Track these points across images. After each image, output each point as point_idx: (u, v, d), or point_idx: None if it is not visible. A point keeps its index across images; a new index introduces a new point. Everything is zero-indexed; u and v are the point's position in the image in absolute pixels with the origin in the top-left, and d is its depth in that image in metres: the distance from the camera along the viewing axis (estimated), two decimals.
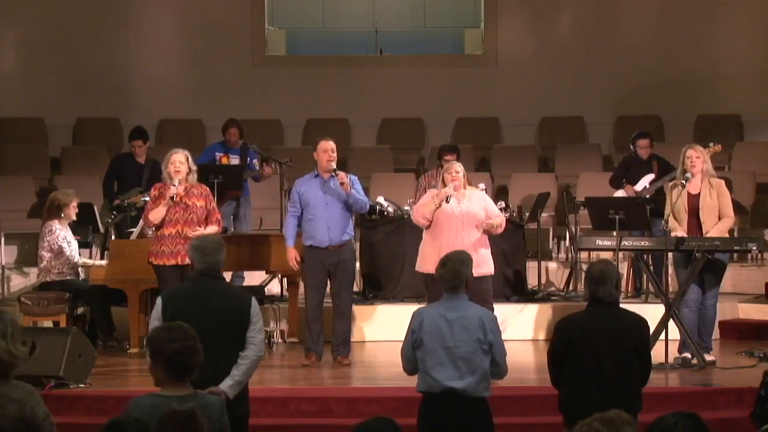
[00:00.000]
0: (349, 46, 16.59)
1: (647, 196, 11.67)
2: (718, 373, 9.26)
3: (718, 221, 9.46)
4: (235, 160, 12.03)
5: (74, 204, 10.52)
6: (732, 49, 15.75)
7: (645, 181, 11.89)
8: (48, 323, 10.41)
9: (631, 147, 12.30)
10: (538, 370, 9.15)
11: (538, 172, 14.82)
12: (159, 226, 9.63)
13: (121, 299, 10.26)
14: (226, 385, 5.89)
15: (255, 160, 12.13)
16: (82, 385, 8.61)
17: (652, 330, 6.76)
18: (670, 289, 10.02)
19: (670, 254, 9.80)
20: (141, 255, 9.84)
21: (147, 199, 10.12)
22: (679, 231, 9.44)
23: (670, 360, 9.34)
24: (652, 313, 9.11)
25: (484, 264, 9.09)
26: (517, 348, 10.41)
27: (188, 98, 15.73)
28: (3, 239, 13.10)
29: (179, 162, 9.61)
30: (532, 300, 11.42)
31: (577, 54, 15.84)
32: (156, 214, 9.59)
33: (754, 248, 9.60)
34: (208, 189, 9.89)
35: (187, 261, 8.40)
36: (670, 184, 9.74)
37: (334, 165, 9.64)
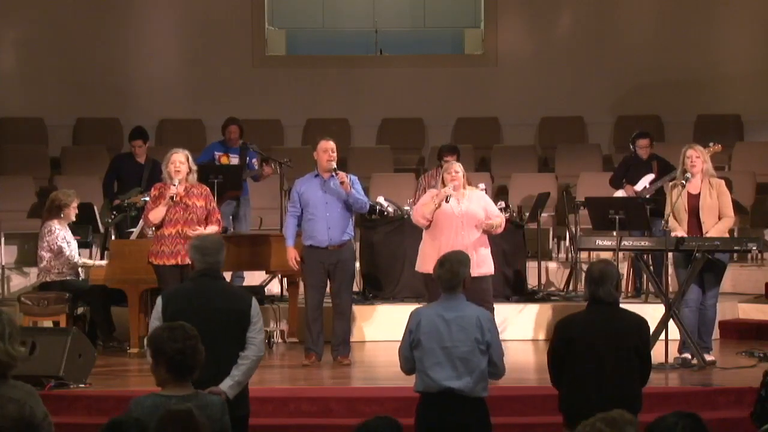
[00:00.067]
0: (349, 46, 16.58)
1: (647, 196, 11.66)
2: (718, 373, 9.25)
3: (718, 221, 9.46)
4: (234, 160, 12.02)
5: (75, 204, 10.52)
6: (732, 49, 15.74)
7: (645, 181, 11.88)
8: (48, 323, 10.40)
9: (631, 147, 12.29)
10: (538, 370, 9.14)
11: (538, 172, 14.81)
12: (159, 226, 9.63)
13: (121, 299, 10.25)
14: (226, 385, 5.88)
15: (254, 160, 12.12)
16: (82, 385, 8.60)
17: (652, 330, 6.75)
18: (670, 289, 10.01)
19: (670, 254, 9.80)
20: (141, 255, 9.83)
21: (147, 199, 10.12)
22: (679, 231, 9.43)
23: (670, 360, 9.33)
24: (652, 313, 9.10)
25: (484, 264, 9.09)
26: (517, 348, 10.43)
27: (188, 98, 15.73)
28: (3, 239, 13.09)
29: (179, 162, 9.60)
30: (532, 300, 11.41)
31: (577, 54, 15.83)
32: (156, 214, 9.58)
33: (754, 248, 9.59)
34: (208, 189, 9.88)
35: (187, 261, 8.44)
36: (670, 184, 9.74)
37: (334, 165, 9.62)
